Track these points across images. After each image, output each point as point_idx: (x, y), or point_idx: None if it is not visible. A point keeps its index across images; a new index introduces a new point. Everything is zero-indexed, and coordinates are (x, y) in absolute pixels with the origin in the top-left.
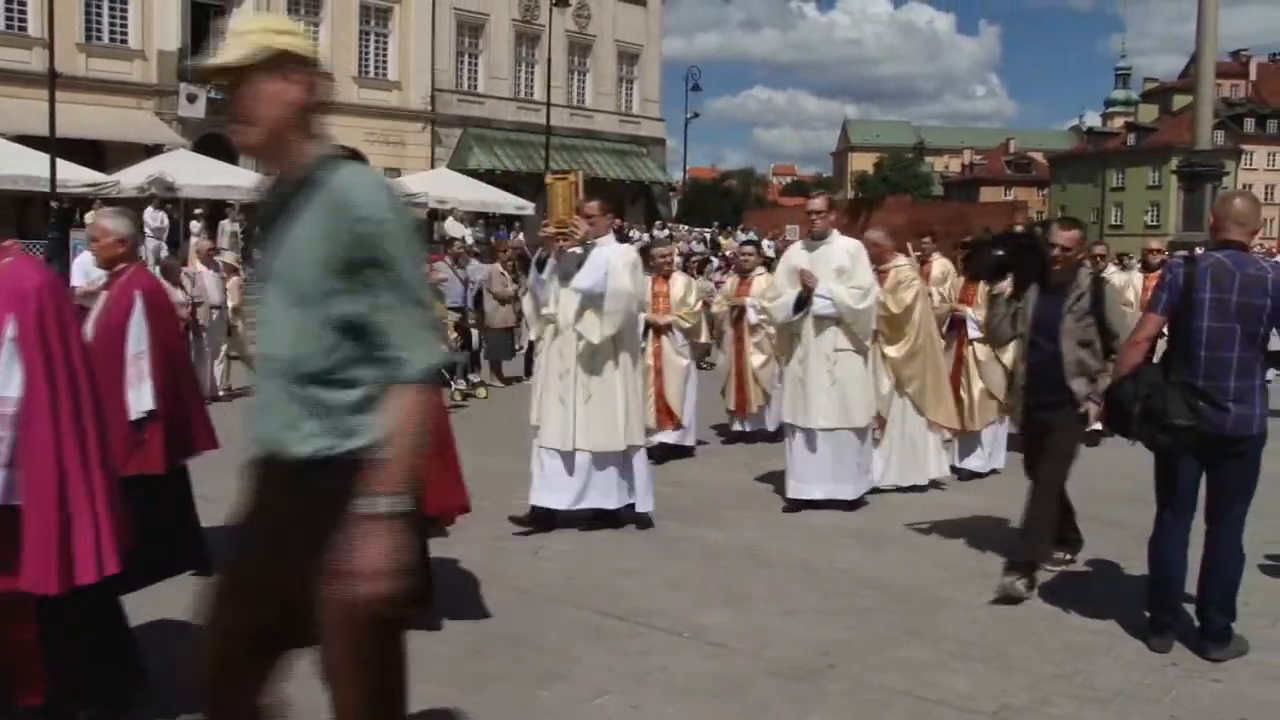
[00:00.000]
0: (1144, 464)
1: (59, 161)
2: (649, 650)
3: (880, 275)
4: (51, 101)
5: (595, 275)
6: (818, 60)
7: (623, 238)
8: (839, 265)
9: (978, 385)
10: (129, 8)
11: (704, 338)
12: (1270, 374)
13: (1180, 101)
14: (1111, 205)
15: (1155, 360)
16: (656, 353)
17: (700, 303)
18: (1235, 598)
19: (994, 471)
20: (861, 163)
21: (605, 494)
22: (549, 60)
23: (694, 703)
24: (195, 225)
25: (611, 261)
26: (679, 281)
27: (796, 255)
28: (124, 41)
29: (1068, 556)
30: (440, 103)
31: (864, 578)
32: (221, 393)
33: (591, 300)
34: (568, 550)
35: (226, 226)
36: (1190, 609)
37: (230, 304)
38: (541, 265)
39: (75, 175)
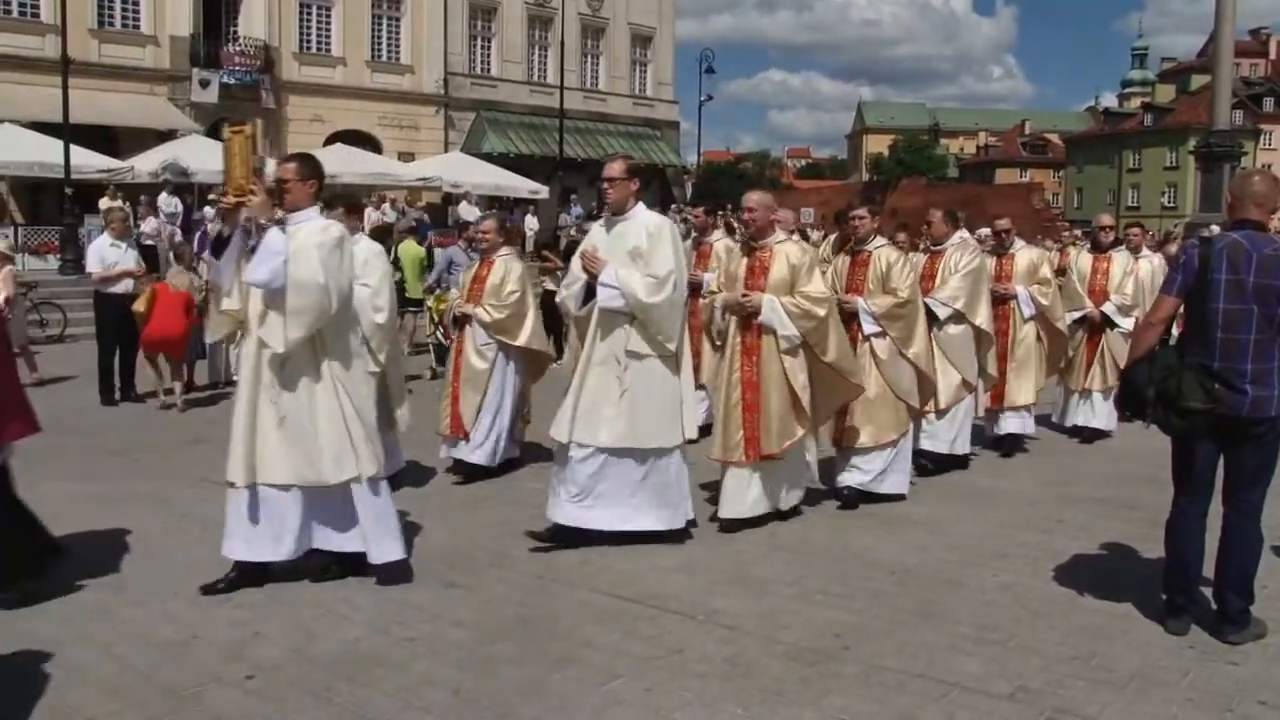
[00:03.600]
0: (1161, 446)
1: (73, 148)
2: (662, 633)
3: (759, 257)
4: (65, 88)
5: (271, 264)
6: (833, 42)
7: None
8: (634, 246)
9: (876, 390)
10: None
11: (522, 339)
12: None
13: (1198, 81)
14: (1128, 186)
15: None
16: (458, 349)
17: (518, 294)
18: (1253, 581)
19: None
20: (876, 145)
21: (328, 536)
22: (562, 43)
23: (707, 686)
24: (209, 211)
25: (299, 243)
26: (499, 266)
27: (594, 234)
28: (136, 27)
29: None
30: (453, 86)
31: (878, 560)
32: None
33: (273, 297)
34: (580, 534)
35: None
36: (1207, 592)
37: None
38: (220, 247)
39: (89, 161)
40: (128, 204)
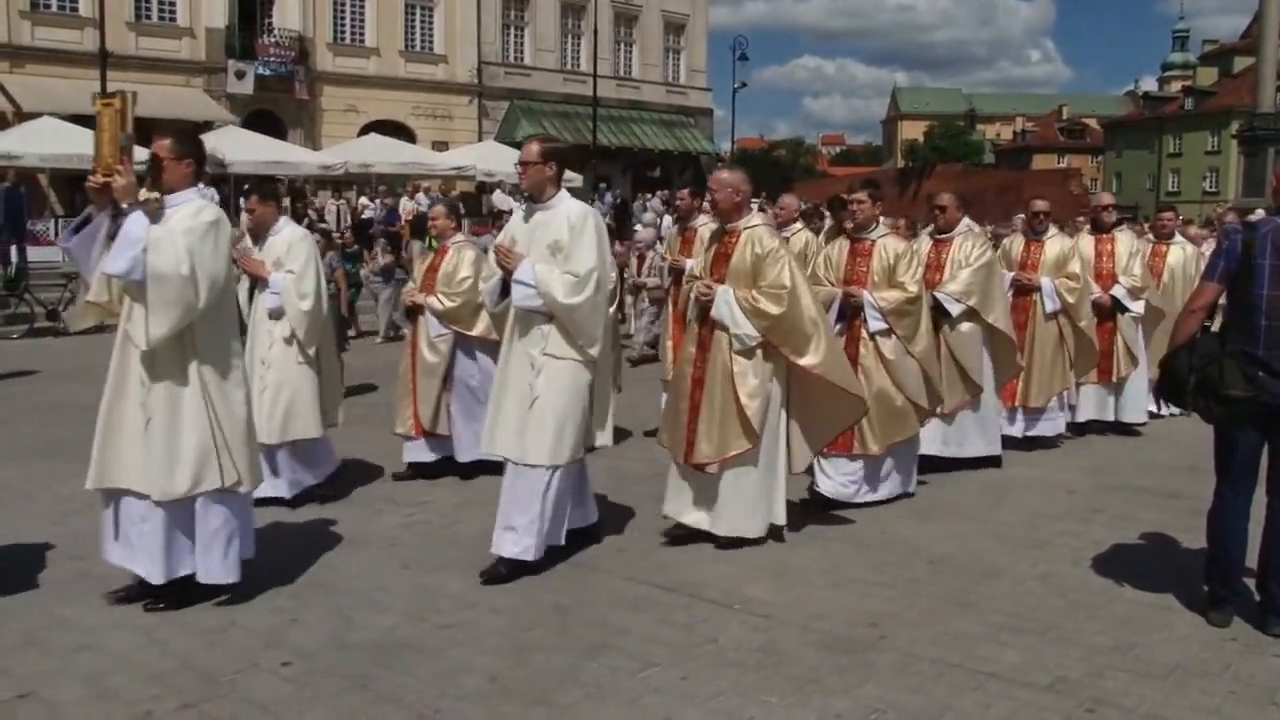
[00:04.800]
0: (1202, 434)
1: None
2: (697, 622)
3: (725, 242)
4: (103, 80)
5: (130, 253)
6: (868, 27)
7: (671, 209)
8: (554, 240)
9: (885, 392)
10: None
11: (478, 328)
12: None
13: (1241, 63)
14: (1169, 172)
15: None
16: (412, 344)
17: (471, 280)
18: None
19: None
20: (911, 131)
21: (186, 555)
22: (595, 32)
23: (742, 675)
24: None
25: (165, 229)
26: (452, 254)
27: (512, 224)
28: (172, 19)
29: None
30: (487, 75)
31: (914, 549)
32: None
33: (137, 289)
34: (617, 521)
35: None
36: (1251, 583)
37: None
38: (81, 229)
39: None
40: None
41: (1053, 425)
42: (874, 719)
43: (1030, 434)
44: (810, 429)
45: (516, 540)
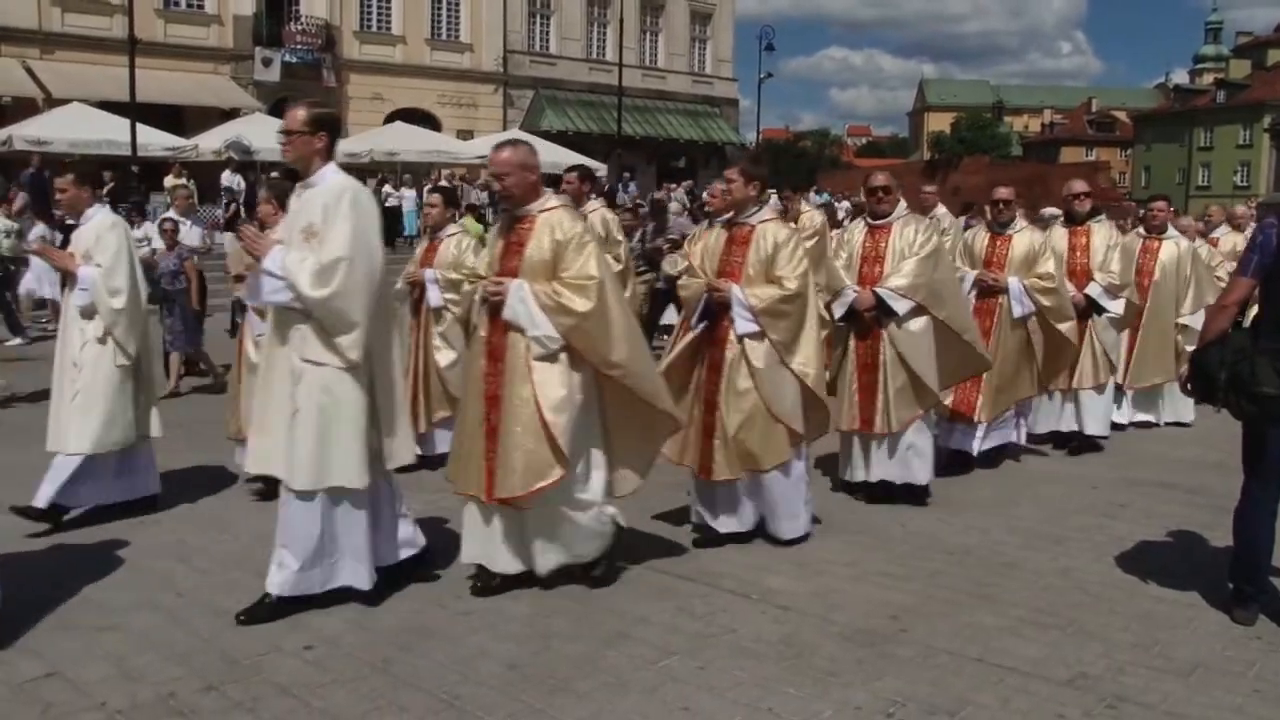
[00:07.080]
0: (1229, 431)
1: (139, 126)
2: (716, 612)
3: (519, 231)
4: (131, 67)
5: None
6: (896, 18)
7: (695, 200)
8: (309, 222)
9: (749, 408)
10: None
11: None
12: None
13: (1275, 56)
14: (1199, 165)
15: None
16: (239, 341)
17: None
18: None
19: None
20: (938, 123)
21: None
22: (621, 21)
23: (761, 665)
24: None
25: None
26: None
27: (291, 208)
28: (200, 7)
29: None
30: (512, 64)
31: (935, 541)
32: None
33: None
34: (638, 510)
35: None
36: (1277, 583)
37: None
38: None
39: (155, 139)
40: (190, 182)
41: (1004, 435)
42: (893, 711)
43: (986, 448)
44: (633, 446)
45: (279, 570)
